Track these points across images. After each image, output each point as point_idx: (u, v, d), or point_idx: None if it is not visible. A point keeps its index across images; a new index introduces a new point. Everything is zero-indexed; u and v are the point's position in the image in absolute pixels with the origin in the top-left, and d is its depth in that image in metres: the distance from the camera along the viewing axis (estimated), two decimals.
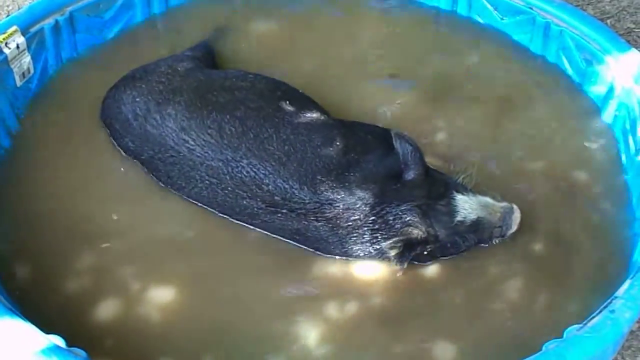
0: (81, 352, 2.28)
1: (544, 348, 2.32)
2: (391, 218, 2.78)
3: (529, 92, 3.52)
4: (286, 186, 2.83)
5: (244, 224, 2.92)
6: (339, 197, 2.81)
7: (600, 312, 2.36)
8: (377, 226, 2.79)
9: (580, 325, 2.35)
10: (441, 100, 3.44)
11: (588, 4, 4.17)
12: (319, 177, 2.84)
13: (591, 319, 2.35)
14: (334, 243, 2.83)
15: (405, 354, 2.60)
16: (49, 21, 3.41)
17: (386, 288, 2.78)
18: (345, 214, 2.80)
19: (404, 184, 2.84)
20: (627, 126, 3.19)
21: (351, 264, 2.84)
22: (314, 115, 3.08)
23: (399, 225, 2.77)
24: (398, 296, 2.76)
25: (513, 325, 2.66)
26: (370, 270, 2.83)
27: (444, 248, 2.83)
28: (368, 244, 2.81)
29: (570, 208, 3.04)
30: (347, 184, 2.83)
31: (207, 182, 2.90)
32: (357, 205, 2.79)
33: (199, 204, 2.97)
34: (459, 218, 2.80)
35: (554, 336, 2.36)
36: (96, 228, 2.92)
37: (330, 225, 2.81)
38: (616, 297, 2.41)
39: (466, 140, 3.26)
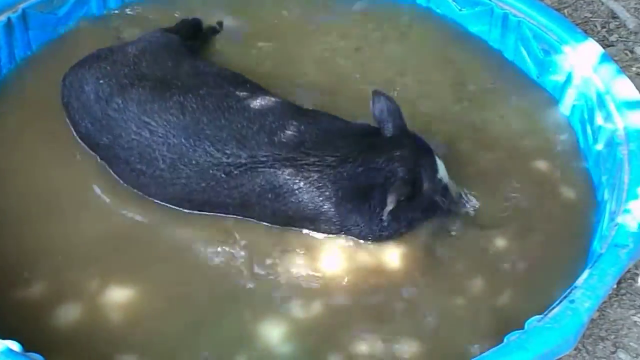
0: (38, 357, 2.24)
1: (505, 340, 2.32)
2: (379, 167, 2.82)
3: (488, 83, 3.54)
4: (252, 143, 2.83)
5: (203, 213, 2.91)
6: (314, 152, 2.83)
7: (560, 302, 2.37)
8: (363, 177, 2.81)
9: (541, 316, 2.35)
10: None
11: None
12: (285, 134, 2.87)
13: (551, 309, 2.36)
14: (306, 209, 2.83)
15: (369, 352, 2.59)
16: (1, 19, 3.35)
17: (351, 286, 2.77)
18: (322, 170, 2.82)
19: (386, 138, 2.90)
20: (586, 116, 3.21)
21: (316, 262, 2.82)
22: (276, 97, 3.08)
23: (389, 169, 2.81)
24: (362, 293, 2.75)
25: (475, 318, 2.66)
26: (335, 267, 2.82)
27: (422, 207, 2.87)
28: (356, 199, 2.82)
29: (531, 199, 3.06)
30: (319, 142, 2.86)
31: (169, 160, 2.86)
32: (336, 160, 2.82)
33: (155, 200, 2.94)
34: (439, 176, 2.88)
35: (515, 328, 2.36)
36: (49, 231, 2.87)
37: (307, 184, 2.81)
38: (575, 287, 2.42)
39: (425, 135, 3.22)
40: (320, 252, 2.86)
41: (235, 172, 2.81)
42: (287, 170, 2.80)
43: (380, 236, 2.88)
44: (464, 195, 2.97)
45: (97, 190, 3.01)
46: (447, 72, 3.57)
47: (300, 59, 3.61)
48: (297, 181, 2.81)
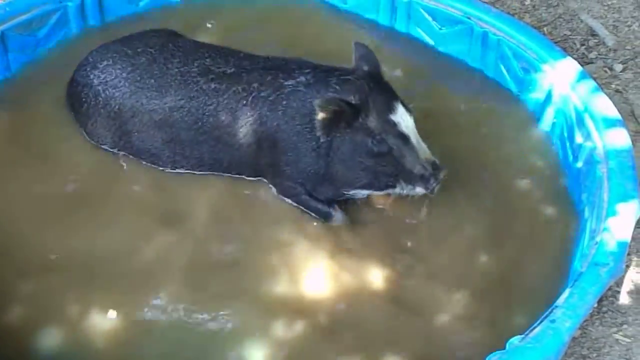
0: None
1: None
2: (332, 79, 2.91)
3: (468, 102, 3.54)
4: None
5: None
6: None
7: (541, 322, 2.37)
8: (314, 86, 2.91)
9: (522, 335, 2.35)
10: None
11: (525, 12, 4.21)
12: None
13: (532, 329, 2.35)
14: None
15: None
16: None
17: (333, 305, 2.77)
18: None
19: (350, 69, 2.97)
20: (565, 134, 3.23)
21: (298, 282, 2.82)
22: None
23: (336, 86, 2.88)
24: (345, 312, 2.75)
25: (456, 339, 2.66)
26: (318, 287, 2.81)
27: (371, 149, 2.83)
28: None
29: (511, 217, 3.06)
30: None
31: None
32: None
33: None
34: (392, 117, 2.84)
35: (496, 348, 2.36)
36: (32, 252, 2.86)
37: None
38: (556, 307, 2.42)
39: None
40: (303, 271, 2.85)
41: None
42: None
43: (327, 174, 2.94)
44: (435, 162, 2.86)
45: (78, 212, 3.01)
46: (426, 89, 3.57)
47: None
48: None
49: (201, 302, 2.74)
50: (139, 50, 3.19)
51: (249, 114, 2.99)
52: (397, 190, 2.91)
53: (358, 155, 2.87)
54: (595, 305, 2.79)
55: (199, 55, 3.15)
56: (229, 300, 2.75)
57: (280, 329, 2.68)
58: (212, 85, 3.03)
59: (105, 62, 3.18)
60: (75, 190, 3.09)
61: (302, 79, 2.96)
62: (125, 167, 3.17)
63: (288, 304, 2.76)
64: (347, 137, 2.86)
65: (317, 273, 2.85)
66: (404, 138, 2.84)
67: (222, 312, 2.71)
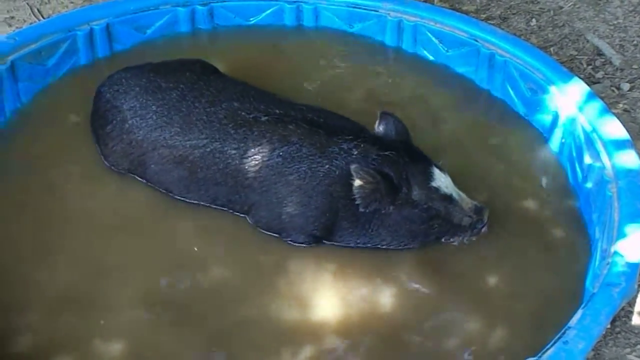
0: None
1: None
2: (372, 154, 2.91)
3: (477, 122, 3.55)
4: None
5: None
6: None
7: (554, 343, 2.36)
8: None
9: (535, 358, 2.34)
10: None
11: (531, 33, 4.22)
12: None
13: (545, 351, 2.35)
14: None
15: None
16: None
17: (342, 330, 2.75)
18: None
19: (384, 141, 2.99)
20: (574, 154, 3.23)
21: (306, 308, 2.81)
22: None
23: (375, 162, 2.89)
24: (354, 338, 2.73)
25: None
26: (326, 311, 2.80)
27: (419, 216, 2.90)
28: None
29: (522, 238, 3.05)
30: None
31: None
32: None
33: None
34: (433, 184, 2.91)
35: None
36: (41, 282, 2.86)
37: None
38: (569, 328, 2.41)
39: None
40: (312, 296, 2.85)
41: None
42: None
43: (373, 242, 2.97)
44: (476, 206, 2.97)
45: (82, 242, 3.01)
46: (434, 110, 3.60)
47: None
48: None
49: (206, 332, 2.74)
50: (171, 85, 3.19)
51: (285, 166, 2.96)
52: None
53: (406, 225, 2.94)
54: (609, 326, 2.77)
55: (227, 96, 3.15)
56: (236, 330, 2.75)
57: (288, 356, 2.67)
58: (241, 131, 3.02)
59: (138, 89, 3.20)
60: (85, 218, 3.09)
61: (344, 146, 2.94)
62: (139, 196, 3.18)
63: (295, 329, 2.75)
64: (392, 212, 2.91)
65: (325, 296, 2.85)
66: (447, 199, 2.93)
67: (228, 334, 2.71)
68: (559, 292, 2.86)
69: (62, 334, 2.71)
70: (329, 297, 2.84)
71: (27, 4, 4.25)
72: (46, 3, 4.25)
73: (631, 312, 2.91)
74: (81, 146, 3.33)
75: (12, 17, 4.16)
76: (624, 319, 2.90)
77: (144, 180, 3.18)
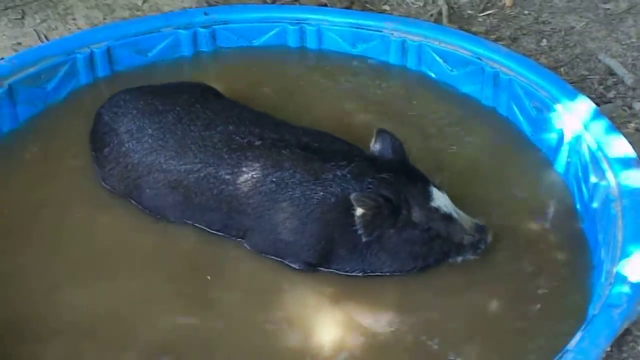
0: None
1: None
2: (368, 177, 2.84)
3: (482, 142, 3.48)
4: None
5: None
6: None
7: None
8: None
9: None
10: None
11: (542, 53, 4.14)
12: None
13: None
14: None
15: None
16: None
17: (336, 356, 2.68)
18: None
19: (380, 163, 2.91)
20: (580, 173, 3.13)
21: (302, 333, 2.74)
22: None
23: (372, 185, 2.82)
24: None
25: None
26: (321, 339, 2.73)
27: (419, 237, 2.83)
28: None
29: (526, 261, 2.96)
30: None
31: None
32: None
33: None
34: (433, 204, 2.83)
35: None
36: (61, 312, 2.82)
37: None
38: (567, 351, 2.32)
39: None
40: (313, 326, 2.78)
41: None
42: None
43: (373, 267, 2.89)
44: (478, 224, 2.91)
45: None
46: (438, 129, 3.54)
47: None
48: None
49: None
50: (167, 107, 3.15)
51: (278, 192, 2.90)
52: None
53: (407, 247, 2.87)
54: (616, 352, 2.67)
55: (223, 120, 3.09)
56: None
57: None
58: (235, 155, 2.96)
59: (135, 112, 3.17)
60: (88, 246, 3.05)
61: (338, 173, 2.87)
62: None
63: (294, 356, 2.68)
64: (392, 235, 2.84)
65: (327, 326, 2.78)
66: (447, 218, 2.87)
67: None
68: (564, 317, 2.74)
69: None
70: (326, 323, 2.77)
71: (35, 30, 4.24)
72: (53, 29, 4.25)
73: (639, 337, 2.79)
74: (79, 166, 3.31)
75: (20, 44, 4.16)
76: (631, 344, 2.78)
77: (140, 206, 3.13)
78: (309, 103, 3.69)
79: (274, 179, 2.90)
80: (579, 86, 3.76)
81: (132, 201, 3.14)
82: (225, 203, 2.96)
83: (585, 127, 3.13)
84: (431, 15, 4.33)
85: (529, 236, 3.06)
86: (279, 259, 2.96)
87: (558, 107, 3.27)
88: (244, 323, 2.78)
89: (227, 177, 2.94)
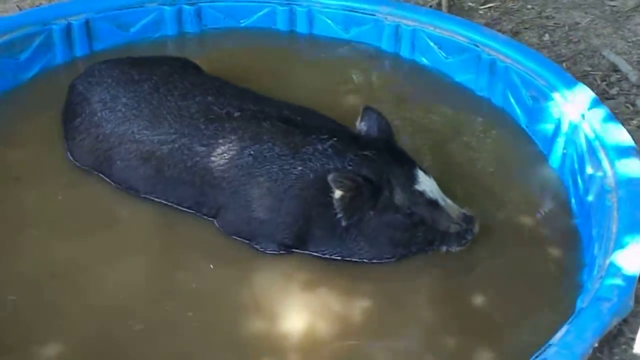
0: None
1: None
2: (349, 154, 2.66)
3: (476, 133, 3.32)
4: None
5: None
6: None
7: None
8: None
9: None
10: None
11: (544, 48, 3.96)
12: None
13: None
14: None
15: None
16: None
17: (322, 345, 2.51)
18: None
19: (364, 140, 2.74)
20: (576, 165, 2.95)
21: (271, 321, 2.57)
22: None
23: (352, 163, 2.64)
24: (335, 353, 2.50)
25: None
26: (292, 327, 2.55)
27: (401, 222, 2.64)
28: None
29: (516, 255, 2.79)
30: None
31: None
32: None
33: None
34: (417, 187, 2.64)
35: None
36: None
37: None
38: (550, 345, 2.12)
39: None
40: (282, 311, 2.61)
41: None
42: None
43: (352, 252, 2.71)
44: (465, 214, 2.71)
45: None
46: (431, 120, 3.38)
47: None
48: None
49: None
50: (144, 77, 3.00)
51: (255, 166, 2.72)
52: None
53: (388, 232, 2.67)
54: (607, 353, 2.46)
55: (202, 91, 2.93)
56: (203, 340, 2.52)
57: None
58: (212, 126, 2.79)
59: (110, 80, 3.01)
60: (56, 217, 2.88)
61: (319, 147, 2.69)
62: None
63: (261, 343, 2.51)
64: (372, 218, 2.65)
65: (291, 309, 2.60)
66: (432, 204, 2.67)
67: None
68: (554, 313, 2.55)
69: None
70: (297, 310, 2.59)
71: (17, 5, 4.11)
72: (37, 6, 4.11)
73: (633, 340, 2.58)
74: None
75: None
76: (624, 346, 2.58)
77: (108, 179, 2.96)
78: (296, 88, 3.52)
79: (251, 152, 2.72)
80: (580, 82, 3.58)
81: (101, 175, 2.97)
82: (198, 177, 2.78)
83: (583, 116, 2.94)
84: (430, 6, 4.17)
85: (520, 230, 2.90)
86: (251, 243, 2.77)
87: (556, 95, 3.09)
88: (212, 307, 2.61)
89: (203, 148, 2.77)
